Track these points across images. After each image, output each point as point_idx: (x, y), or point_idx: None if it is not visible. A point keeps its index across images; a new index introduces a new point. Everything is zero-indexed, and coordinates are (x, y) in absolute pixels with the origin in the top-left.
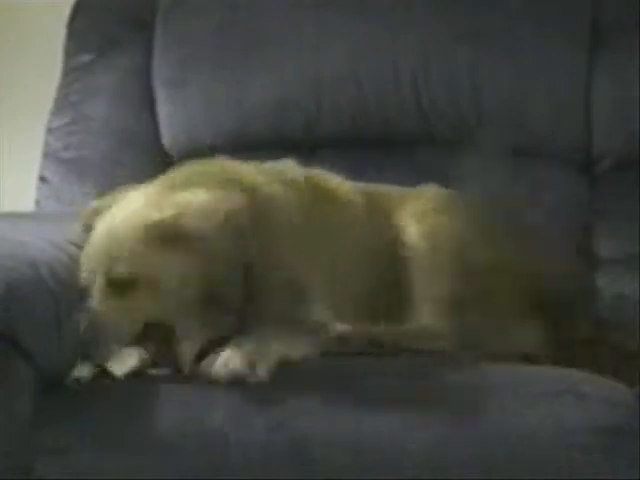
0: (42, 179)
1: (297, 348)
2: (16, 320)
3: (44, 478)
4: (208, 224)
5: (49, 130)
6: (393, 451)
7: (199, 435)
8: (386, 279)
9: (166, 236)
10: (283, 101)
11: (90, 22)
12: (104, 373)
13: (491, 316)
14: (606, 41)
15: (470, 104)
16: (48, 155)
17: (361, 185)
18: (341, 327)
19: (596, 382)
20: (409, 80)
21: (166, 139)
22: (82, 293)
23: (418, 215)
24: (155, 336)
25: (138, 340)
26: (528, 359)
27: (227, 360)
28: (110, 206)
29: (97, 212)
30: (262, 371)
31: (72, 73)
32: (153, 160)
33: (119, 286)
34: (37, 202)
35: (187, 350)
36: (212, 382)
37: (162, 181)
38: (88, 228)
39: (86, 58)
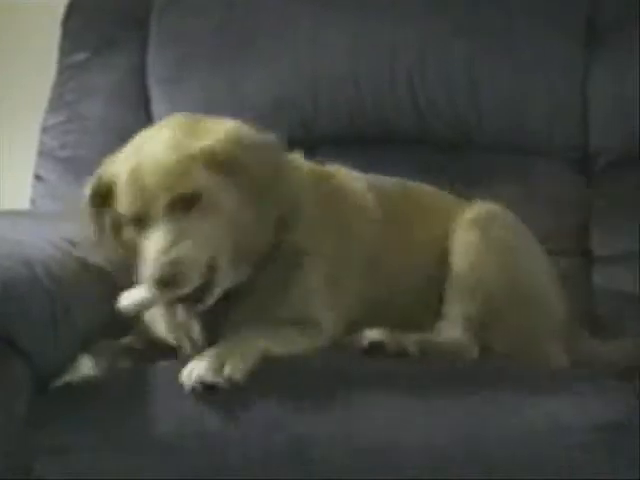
0: (37, 177)
1: (282, 344)
2: (12, 320)
3: (43, 478)
4: (255, 153)
5: (44, 129)
6: (393, 451)
7: (198, 435)
8: (418, 286)
9: (221, 161)
10: (280, 100)
11: (85, 21)
12: None
13: (519, 337)
14: (603, 38)
15: (467, 102)
16: (43, 154)
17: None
18: (371, 334)
19: (595, 380)
20: (406, 78)
21: None
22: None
23: (463, 227)
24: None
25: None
26: None
27: (191, 370)
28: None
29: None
30: (235, 374)
31: (67, 72)
32: None
33: (183, 206)
34: (32, 201)
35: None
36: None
37: (173, 122)
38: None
39: (81, 57)
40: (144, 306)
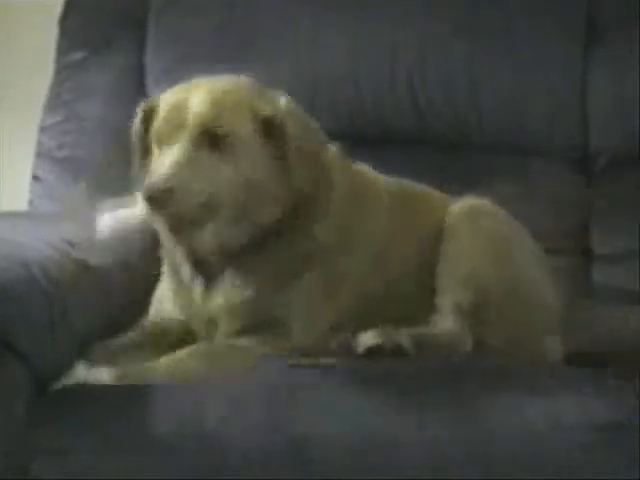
0: (35, 178)
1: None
2: (10, 322)
3: (40, 478)
4: (303, 130)
5: (42, 129)
6: (393, 451)
7: (197, 436)
8: (416, 281)
9: (268, 122)
10: None
11: (82, 20)
12: None
13: (514, 330)
14: (602, 38)
15: (467, 102)
16: (41, 154)
17: (395, 181)
18: (367, 338)
19: (595, 379)
20: (406, 78)
21: None
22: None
23: (453, 218)
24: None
25: None
26: None
27: None
28: None
29: None
30: None
31: (64, 71)
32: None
33: (208, 142)
34: (30, 201)
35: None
36: None
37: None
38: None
39: (78, 56)
40: (126, 223)
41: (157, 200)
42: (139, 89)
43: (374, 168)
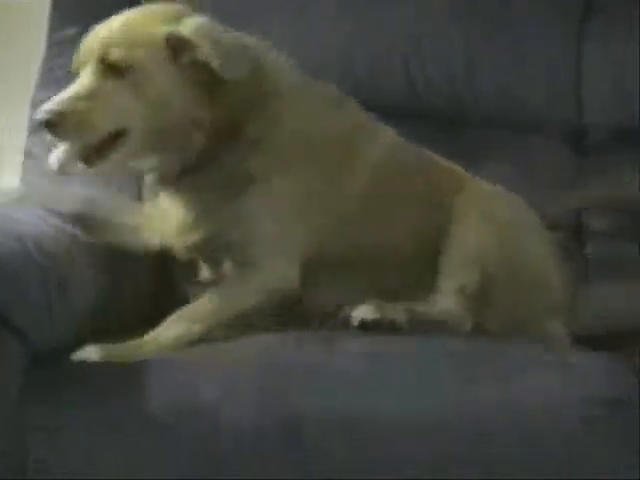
0: (28, 154)
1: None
2: (5, 296)
3: (36, 457)
4: (225, 55)
5: (34, 104)
6: (387, 430)
7: (193, 412)
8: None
9: (178, 49)
10: None
11: None
12: None
13: (518, 313)
14: (600, 15)
15: (464, 79)
16: (33, 130)
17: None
18: (360, 312)
19: (595, 356)
20: (402, 56)
21: None
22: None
23: (465, 202)
24: None
25: None
26: None
27: None
28: None
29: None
30: None
31: (56, 47)
32: None
33: (113, 73)
34: (22, 178)
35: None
36: None
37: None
38: None
39: (71, 31)
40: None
41: (53, 126)
42: None
43: None
